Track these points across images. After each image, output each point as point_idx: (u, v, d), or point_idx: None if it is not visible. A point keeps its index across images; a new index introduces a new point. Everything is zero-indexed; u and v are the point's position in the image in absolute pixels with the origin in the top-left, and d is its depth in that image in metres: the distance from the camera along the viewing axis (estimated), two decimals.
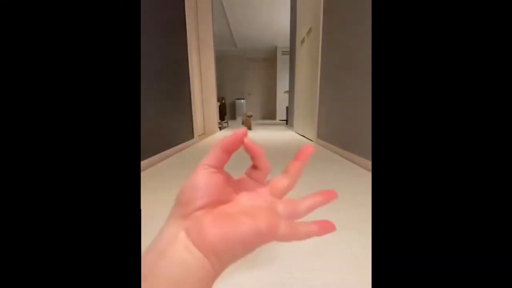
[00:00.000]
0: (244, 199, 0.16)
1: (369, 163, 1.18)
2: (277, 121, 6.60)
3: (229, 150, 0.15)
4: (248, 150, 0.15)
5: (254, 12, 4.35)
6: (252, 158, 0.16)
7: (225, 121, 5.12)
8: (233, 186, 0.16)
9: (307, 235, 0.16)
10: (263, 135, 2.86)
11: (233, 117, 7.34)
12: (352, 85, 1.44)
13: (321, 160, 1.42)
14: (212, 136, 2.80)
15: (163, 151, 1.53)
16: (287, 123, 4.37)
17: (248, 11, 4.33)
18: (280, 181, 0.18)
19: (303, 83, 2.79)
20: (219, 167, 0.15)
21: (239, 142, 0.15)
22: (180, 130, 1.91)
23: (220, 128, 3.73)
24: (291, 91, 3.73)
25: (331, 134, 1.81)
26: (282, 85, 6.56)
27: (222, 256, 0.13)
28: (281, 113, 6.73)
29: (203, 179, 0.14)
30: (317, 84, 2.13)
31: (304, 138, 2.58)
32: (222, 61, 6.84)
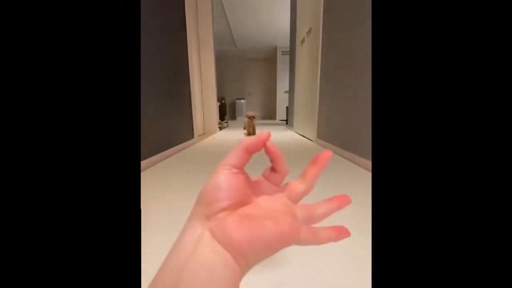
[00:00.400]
0: (263, 202, 0.16)
1: (369, 163, 1.18)
2: (277, 121, 6.60)
3: (251, 151, 0.15)
4: (269, 153, 0.16)
5: (254, 12, 4.35)
6: (272, 161, 0.17)
7: (225, 121, 5.12)
8: (252, 187, 0.16)
9: (325, 240, 0.16)
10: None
11: (233, 117, 7.34)
12: (352, 85, 1.44)
13: None
14: (212, 136, 2.80)
15: (163, 151, 1.53)
16: (287, 123, 4.37)
17: (248, 11, 4.33)
18: (297, 186, 0.18)
19: (303, 83, 2.78)
20: (241, 168, 0.15)
21: (262, 144, 0.15)
22: (180, 130, 1.91)
23: (220, 128, 3.72)
24: (291, 91, 3.73)
25: (331, 134, 1.81)
26: (282, 85, 6.56)
27: (247, 257, 0.13)
28: (281, 113, 6.73)
29: (226, 179, 0.14)
30: (317, 84, 2.13)
31: (304, 138, 2.58)
32: (222, 61, 6.83)
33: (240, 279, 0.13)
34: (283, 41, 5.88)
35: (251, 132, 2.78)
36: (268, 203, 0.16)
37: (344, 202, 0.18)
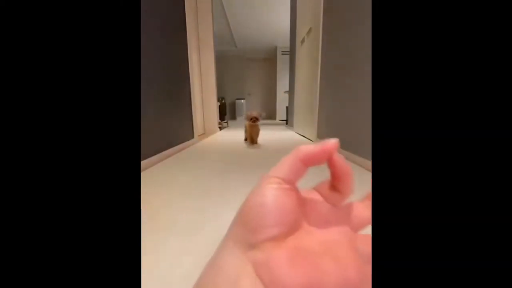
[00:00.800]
0: (318, 229, 0.13)
1: (369, 163, 1.18)
2: (277, 121, 6.61)
3: (309, 163, 0.12)
4: (333, 167, 0.13)
5: (254, 12, 4.36)
6: (335, 177, 0.13)
7: (225, 121, 5.12)
8: (302, 206, 0.13)
9: None
10: (263, 135, 2.87)
11: (233, 117, 7.35)
12: (352, 85, 1.44)
13: None
14: (212, 136, 2.80)
15: (163, 151, 1.53)
16: (287, 123, 4.37)
17: (248, 11, 4.34)
18: (362, 210, 0.14)
19: (303, 83, 2.79)
20: (293, 183, 0.12)
21: (326, 156, 0.12)
22: (180, 130, 1.91)
23: (220, 128, 3.72)
24: (291, 91, 3.73)
25: (331, 134, 1.81)
26: (282, 85, 6.56)
27: None
28: (281, 113, 6.73)
29: (275, 198, 0.11)
30: (317, 84, 2.13)
31: (304, 138, 2.58)
32: (222, 61, 6.84)
33: None
34: (283, 41, 5.88)
35: (253, 139, 2.07)
36: (325, 233, 0.13)
37: None
